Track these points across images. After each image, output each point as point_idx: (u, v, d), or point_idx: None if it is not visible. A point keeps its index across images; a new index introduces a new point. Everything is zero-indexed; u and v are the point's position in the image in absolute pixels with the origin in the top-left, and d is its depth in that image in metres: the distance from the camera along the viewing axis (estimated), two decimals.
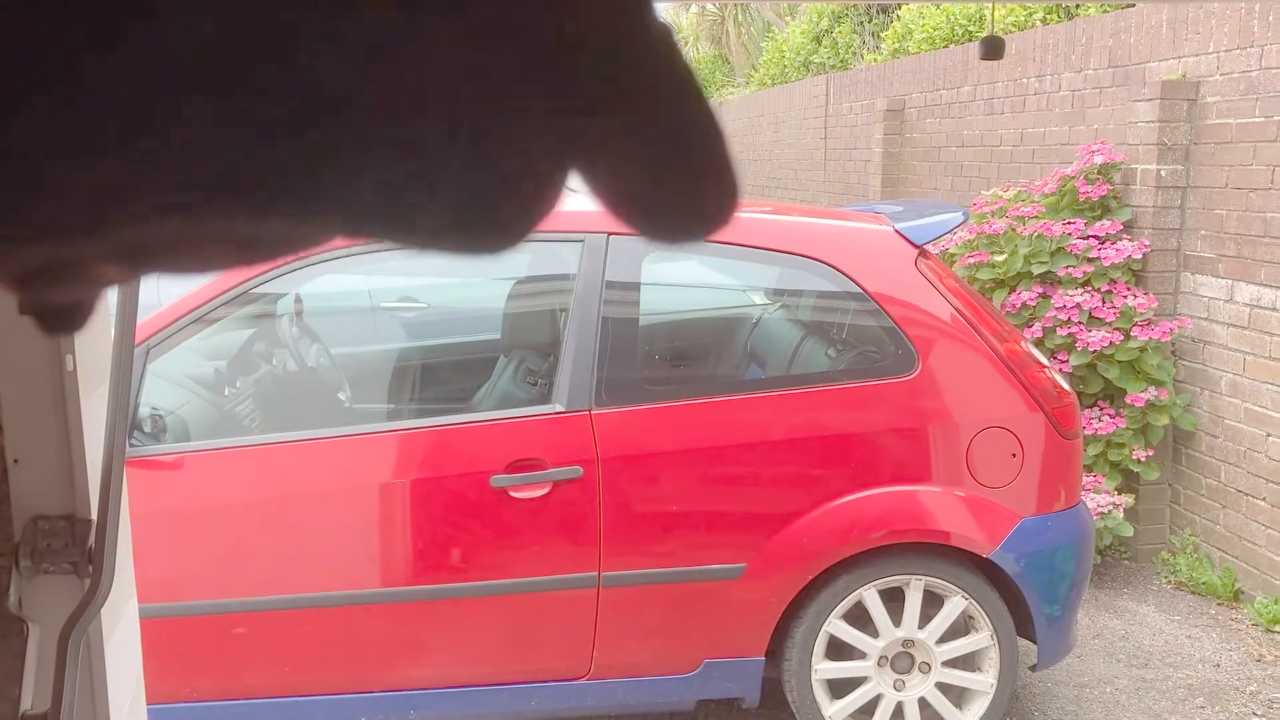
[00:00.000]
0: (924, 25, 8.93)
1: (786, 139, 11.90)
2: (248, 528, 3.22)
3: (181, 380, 3.71)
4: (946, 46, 8.29)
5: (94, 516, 1.46)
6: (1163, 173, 5.03)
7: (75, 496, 1.46)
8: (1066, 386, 3.54)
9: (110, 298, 1.53)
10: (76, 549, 1.45)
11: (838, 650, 3.40)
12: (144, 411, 3.29)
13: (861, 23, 12.04)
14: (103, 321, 1.57)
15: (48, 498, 1.45)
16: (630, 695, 3.35)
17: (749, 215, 3.78)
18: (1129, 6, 5.63)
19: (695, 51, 22.02)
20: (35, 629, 1.43)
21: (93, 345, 1.50)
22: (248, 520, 3.22)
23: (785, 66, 13.68)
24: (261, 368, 4.03)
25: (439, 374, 4.62)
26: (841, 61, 12.01)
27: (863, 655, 3.39)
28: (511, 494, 3.17)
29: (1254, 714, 3.88)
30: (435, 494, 3.21)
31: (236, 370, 3.95)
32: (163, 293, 5.93)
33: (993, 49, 1.62)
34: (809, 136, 11.04)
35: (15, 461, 1.43)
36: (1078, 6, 6.54)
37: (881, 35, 10.62)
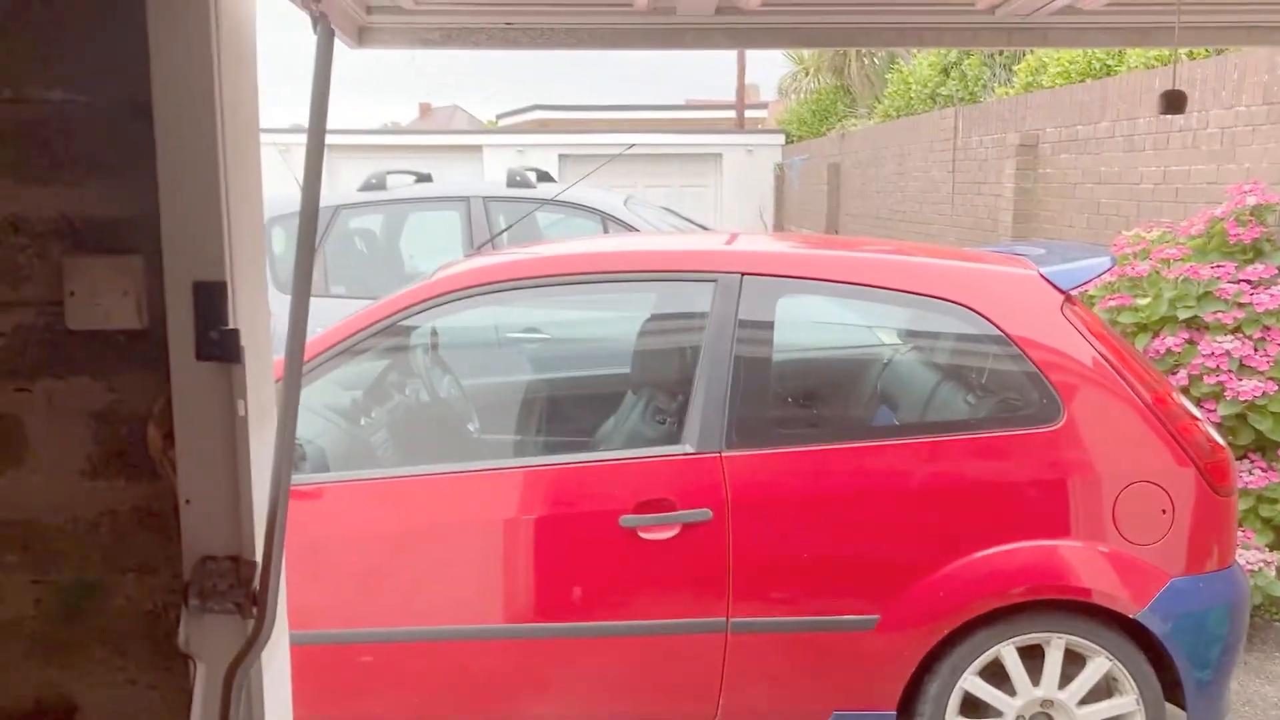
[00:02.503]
0: (1059, 60, 8.72)
1: (911, 171, 11.73)
2: (377, 559, 3.28)
3: (320, 409, 3.81)
4: (1083, 81, 8.07)
5: (259, 558, 1.49)
6: None
7: (241, 538, 1.49)
8: (1220, 440, 3.37)
9: (279, 341, 1.56)
10: (241, 590, 1.48)
11: (973, 708, 3.28)
12: None
13: (992, 55, 11.83)
14: (268, 367, 1.61)
15: (215, 538, 1.49)
16: None
17: (888, 256, 3.72)
18: None
19: (816, 83, 21.92)
20: (202, 667, 1.46)
21: (259, 390, 1.53)
22: (377, 552, 3.27)
23: (911, 99, 13.51)
24: (395, 398, 4.11)
25: (567, 408, 4.65)
26: (970, 94, 11.80)
27: (999, 714, 3.27)
28: (640, 534, 3.16)
29: None
30: (564, 532, 3.21)
31: (372, 400, 4.04)
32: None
33: (1174, 104, 1.55)
34: (935, 170, 10.86)
35: (187, 502, 1.47)
36: None
37: (1013, 68, 10.40)
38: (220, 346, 1.43)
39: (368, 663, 3.27)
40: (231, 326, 1.44)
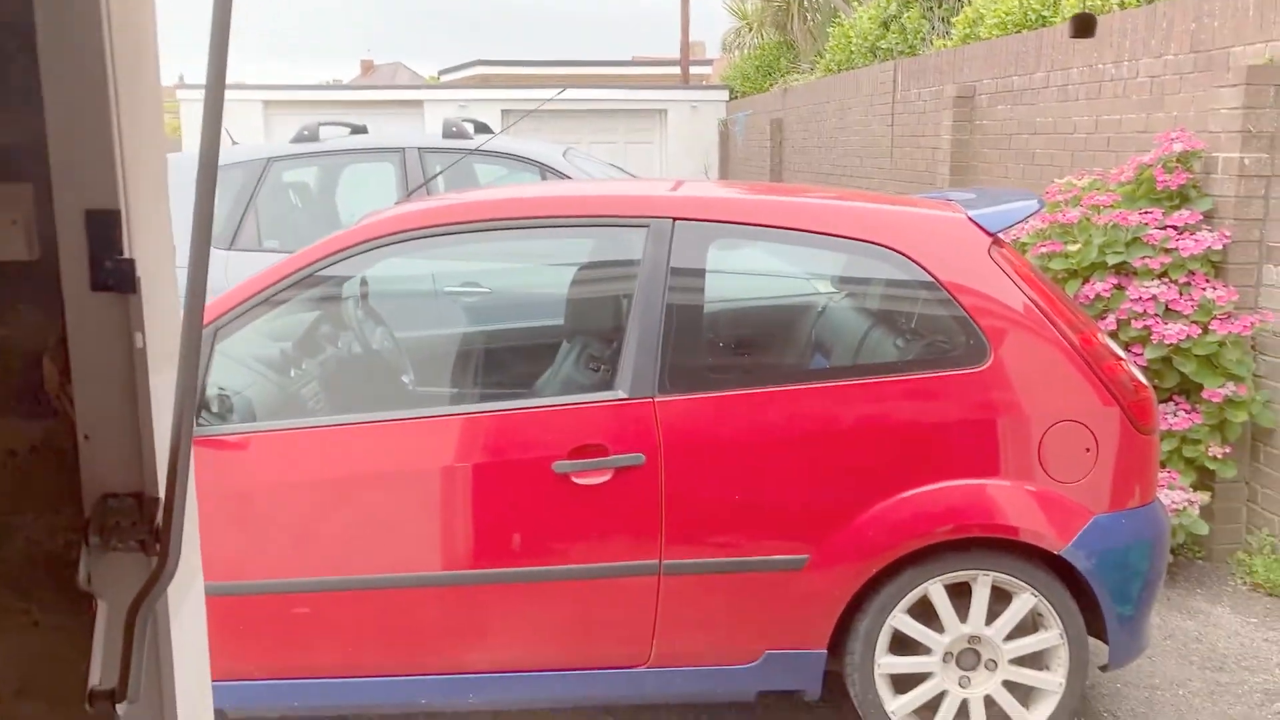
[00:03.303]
0: (996, 10, 8.74)
1: (852, 125, 11.75)
2: (311, 508, 3.24)
3: (248, 361, 3.75)
4: (1019, 32, 8.10)
5: (162, 495, 1.46)
6: (1246, 161, 4.87)
7: (144, 474, 1.46)
8: (1144, 380, 3.44)
9: (180, 277, 1.52)
10: (144, 527, 1.45)
11: (902, 645, 3.34)
12: (211, 391, 3.32)
13: (931, 8, 11.83)
14: (172, 301, 1.57)
15: (117, 475, 1.45)
16: (689, 684, 3.32)
17: (817, 201, 3.72)
18: None
19: (760, 38, 21.81)
20: (104, 606, 1.43)
21: (162, 324, 1.49)
22: (311, 501, 3.24)
23: (852, 52, 13.48)
24: (327, 350, 4.06)
25: (502, 358, 4.62)
26: (910, 47, 11.81)
27: (927, 651, 3.33)
28: (574, 480, 3.16)
29: None
30: (497, 478, 3.20)
31: (302, 352, 3.98)
32: (230, 274, 6.04)
33: (1083, 27, 1.54)
34: (875, 123, 10.88)
35: (86, 438, 1.43)
36: None
37: (952, 21, 10.42)
38: (115, 276, 1.39)
39: (303, 613, 3.25)
40: (127, 256, 1.39)
